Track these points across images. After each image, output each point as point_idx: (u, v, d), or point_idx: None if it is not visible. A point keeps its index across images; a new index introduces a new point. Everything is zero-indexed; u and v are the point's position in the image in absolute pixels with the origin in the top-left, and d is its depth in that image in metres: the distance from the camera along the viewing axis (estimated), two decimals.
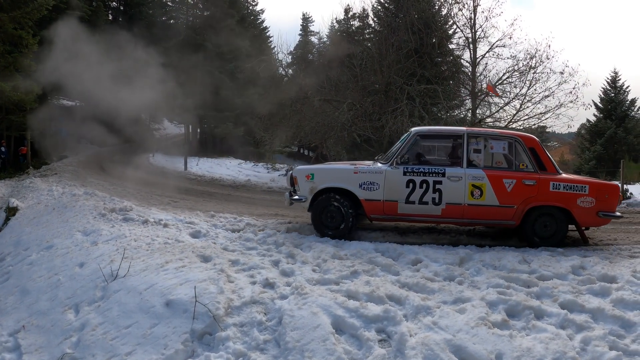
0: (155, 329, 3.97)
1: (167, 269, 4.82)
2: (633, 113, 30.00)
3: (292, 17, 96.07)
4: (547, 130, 17.75)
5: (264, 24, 34.87)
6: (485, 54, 16.91)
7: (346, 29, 22.98)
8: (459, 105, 18.51)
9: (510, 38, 16.22)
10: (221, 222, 7.18)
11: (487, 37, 17.05)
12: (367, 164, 6.60)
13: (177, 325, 3.96)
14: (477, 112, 17.42)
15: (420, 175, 6.06)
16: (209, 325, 3.94)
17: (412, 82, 16.25)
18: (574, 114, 19.48)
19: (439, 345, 3.56)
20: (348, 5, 37.37)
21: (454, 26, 17.89)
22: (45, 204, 8.92)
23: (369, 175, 6.20)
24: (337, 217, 6.26)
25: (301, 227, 6.73)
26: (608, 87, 30.46)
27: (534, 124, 16.44)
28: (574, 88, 15.32)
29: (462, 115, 17.86)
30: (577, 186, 5.91)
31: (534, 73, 15.71)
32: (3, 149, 17.31)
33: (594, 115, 30.37)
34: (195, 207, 8.63)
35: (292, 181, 6.56)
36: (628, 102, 29.99)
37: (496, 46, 16.55)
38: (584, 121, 31.68)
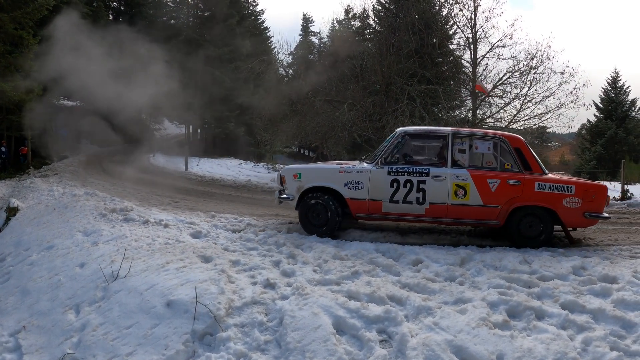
0: (156, 330, 3.97)
1: (167, 269, 4.82)
2: (633, 113, 30.06)
3: (293, 17, 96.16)
4: (548, 130, 17.78)
5: (265, 24, 34.83)
6: (485, 54, 16.93)
7: (347, 29, 23.00)
8: (459, 105, 18.53)
9: (511, 38, 16.23)
10: (222, 222, 7.19)
11: (487, 38, 17.07)
12: (354, 163, 6.65)
13: (178, 325, 3.96)
14: (478, 112, 17.45)
15: (404, 175, 6.10)
16: (210, 325, 3.94)
17: (412, 82, 16.26)
18: (575, 114, 19.45)
19: (440, 346, 3.56)
20: (348, 5, 37.48)
21: (455, 26, 17.91)
22: (46, 204, 8.92)
23: (354, 175, 6.25)
24: (323, 216, 6.34)
25: (302, 228, 6.73)
26: (608, 88, 30.51)
27: (535, 124, 16.49)
28: (574, 88, 15.37)
29: (463, 116, 17.88)
30: (562, 186, 5.90)
31: (534, 73, 15.75)
32: (3, 149, 17.32)
33: (595, 115, 30.48)
34: (196, 208, 8.64)
35: (281, 180, 6.67)
36: (628, 102, 30.05)
37: (497, 46, 16.57)
38: (585, 121, 31.81)
